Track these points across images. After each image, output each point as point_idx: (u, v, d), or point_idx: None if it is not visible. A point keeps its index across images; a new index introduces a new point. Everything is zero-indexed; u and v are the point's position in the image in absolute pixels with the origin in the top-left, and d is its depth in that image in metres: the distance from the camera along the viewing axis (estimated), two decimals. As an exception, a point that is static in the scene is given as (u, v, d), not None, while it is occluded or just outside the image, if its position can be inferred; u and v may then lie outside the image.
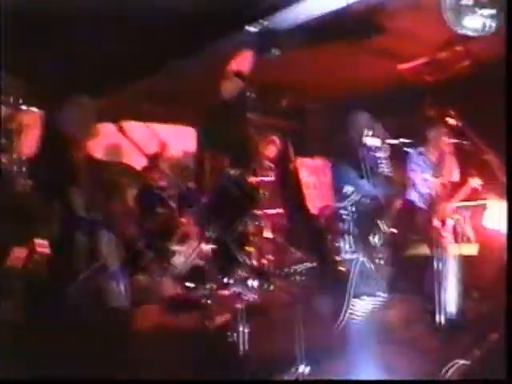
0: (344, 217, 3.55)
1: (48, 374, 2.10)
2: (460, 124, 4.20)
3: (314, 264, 3.48)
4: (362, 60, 4.73)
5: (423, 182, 4.35)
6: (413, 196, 4.42)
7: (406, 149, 3.38)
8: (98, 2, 3.28)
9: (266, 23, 3.65)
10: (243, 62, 3.76)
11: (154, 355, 2.51)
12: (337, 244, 3.62)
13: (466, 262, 4.32)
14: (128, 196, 3.68)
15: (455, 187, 4.49)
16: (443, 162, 4.33)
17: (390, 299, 3.71)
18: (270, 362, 3.00)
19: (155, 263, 3.36)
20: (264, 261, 2.86)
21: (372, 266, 3.54)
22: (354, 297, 3.47)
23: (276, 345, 3.15)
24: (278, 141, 5.47)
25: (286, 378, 2.92)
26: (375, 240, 3.53)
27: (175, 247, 3.54)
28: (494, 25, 3.22)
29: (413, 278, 4.18)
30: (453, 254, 4.28)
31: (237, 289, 2.76)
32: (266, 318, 3.26)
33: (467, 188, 4.45)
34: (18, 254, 2.23)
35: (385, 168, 3.51)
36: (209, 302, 2.77)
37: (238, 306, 2.74)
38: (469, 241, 4.90)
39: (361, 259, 3.47)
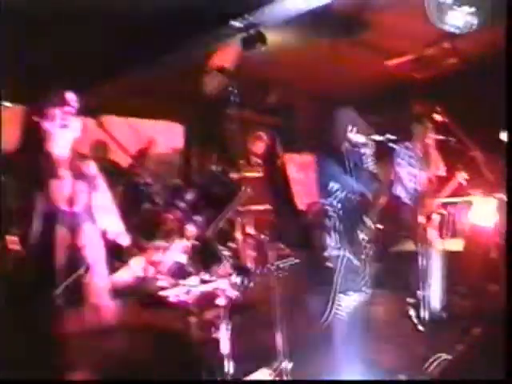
0: (330, 213, 3.54)
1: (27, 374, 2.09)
2: (446, 120, 4.22)
3: (298, 260, 3.48)
4: (349, 56, 4.72)
5: (409, 176, 4.36)
6: (399, 191, 4.43)
7: (391, 145, 3.38)
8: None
9: (251, 18, 3.63)
10: (226, 57, 3.74)
11: (135, 353, 2.50)
12: (323, 240, 3.61)
13: (451, 257, 4.35)
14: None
15: (442, 182, 4.50)
16: (429, 156, 4.34)
17: (376, 295, 3.72)
18: (253, 358, 3.01)
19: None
20: (246, 257, 2.86)
21: (358, 262, 3.54)
22: (340, 292, 3.47)
23: (259, 341, 3.16)
24: (265, 137, 5.46)
25: (269, 372, 2.94)
26: (361, 236, 3.53)
27: (160, 243, 3.53)
28: (475, 22, 3.24)
29: (399, 273, 4.21)
30: (438, 249, 4.31)
31: (219, 285, 2.76)
32: (249, 315, 3.27)
33: (454, 182, 4.46)
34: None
35: (370, 164, 3.51)
36: (191, 298, 2.76)
37: (221, 302, 2.73)
38: (454, 236, 4.93)
39: (347, 255, 3.47)
